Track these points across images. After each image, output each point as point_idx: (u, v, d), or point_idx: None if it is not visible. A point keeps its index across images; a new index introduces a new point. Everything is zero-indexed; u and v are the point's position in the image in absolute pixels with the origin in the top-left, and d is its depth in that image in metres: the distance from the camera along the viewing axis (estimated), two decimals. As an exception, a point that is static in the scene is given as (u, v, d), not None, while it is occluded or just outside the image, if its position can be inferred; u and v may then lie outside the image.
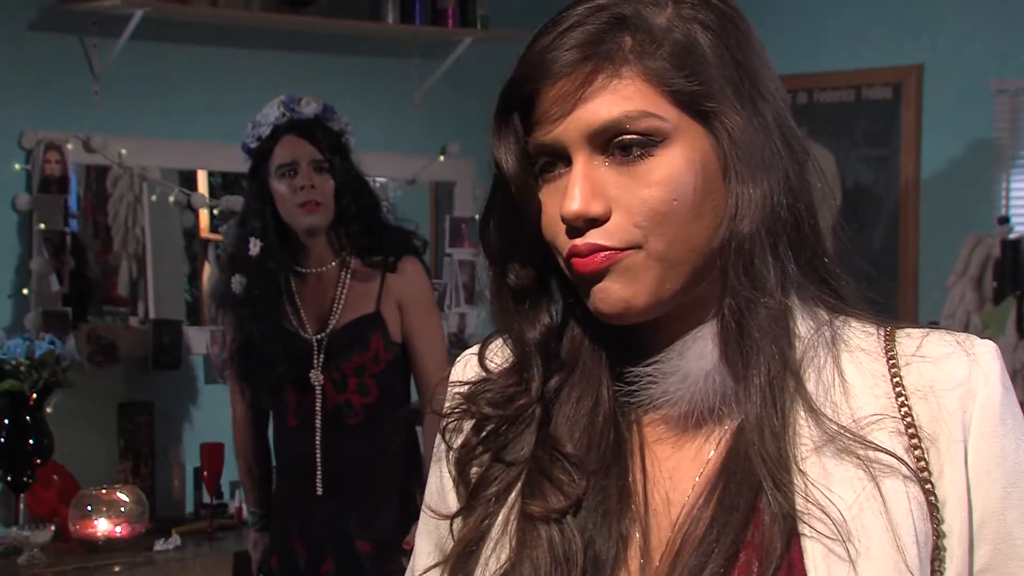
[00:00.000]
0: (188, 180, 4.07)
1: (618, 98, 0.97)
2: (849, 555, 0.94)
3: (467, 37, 4.34)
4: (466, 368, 1.11)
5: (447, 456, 1.08)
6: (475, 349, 1.12)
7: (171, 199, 3.97)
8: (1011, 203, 4.14)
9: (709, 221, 0.98)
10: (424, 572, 1.09)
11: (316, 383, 3.04)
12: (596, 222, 0.98)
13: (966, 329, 3.80)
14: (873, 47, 4.31)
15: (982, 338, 1.02)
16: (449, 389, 1.10)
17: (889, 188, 4.30)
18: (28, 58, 3.72)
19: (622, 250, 0.97)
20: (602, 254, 0.97)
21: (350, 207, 3.04)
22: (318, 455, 3.03)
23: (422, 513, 1.12)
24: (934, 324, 1.02)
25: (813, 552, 0.95)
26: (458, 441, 1.07)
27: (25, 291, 3.70)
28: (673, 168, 0.97)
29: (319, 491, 3.03)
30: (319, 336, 3.05)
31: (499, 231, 1.04)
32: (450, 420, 1.08)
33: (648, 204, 0.97)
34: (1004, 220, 3.95)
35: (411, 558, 1.14)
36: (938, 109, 4.22)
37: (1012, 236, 3.84)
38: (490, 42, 4.35)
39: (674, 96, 0.97)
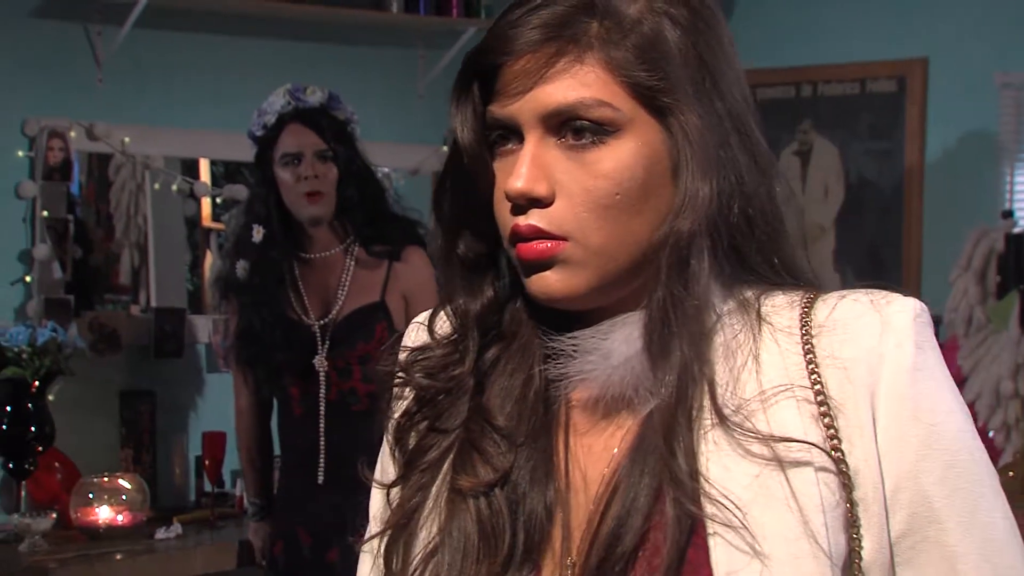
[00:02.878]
0: (190, 168, 4.07)
1: (576, 83, 0.97)
2: (749, 538, 0.93)
3: (471, 27, 4.34)
4: (416, 334, 1.12)
5: (387, 423, 1.09)
6: (425, 316, 1.13)
7: (173, 187, 3.98)
8: (1015, 197, 4.14)
9: (650, 217, 0.99)
10: (364, 541, 1.11)
11: (320, 369, 3.03)
12: (539, 203, 0.98)
13: (969, 323, 3.80)
14: (878, 40, 4.31)
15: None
16: (401, 356, 1.11)
17: (893, 181, 4.30)
18: (32, 45, 3.72)
19: (561, 239, 0.98)
20: (543, 244, 0.98)
21: (353, 196, 3.04)
22: (322, 443, 3.03)
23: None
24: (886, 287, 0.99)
25: (713, 540, 0.94)
26: (399, 409, 1.09)
27: (28, 278, 3.71)
28: (621, 160, 0.97)
29: (322, 478, 3.03)
30: (322, 322, 3.05)
31: (453, 200, 1.04)
32: (391, 387, 1.09)
33: (592, 195, 0.97)
34: (1008, 214, 3.95)
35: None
36: (942, 102, 4.21)
37: (1016, 230, 3.83)
38: (494, 32, 4.35)
39: (633, 88, 0.97)
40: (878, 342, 0.97)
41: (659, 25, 0.98)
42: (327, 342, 3.04)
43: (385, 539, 1.06)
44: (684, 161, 0.98)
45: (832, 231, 4.37)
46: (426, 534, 1.03)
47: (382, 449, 1.13)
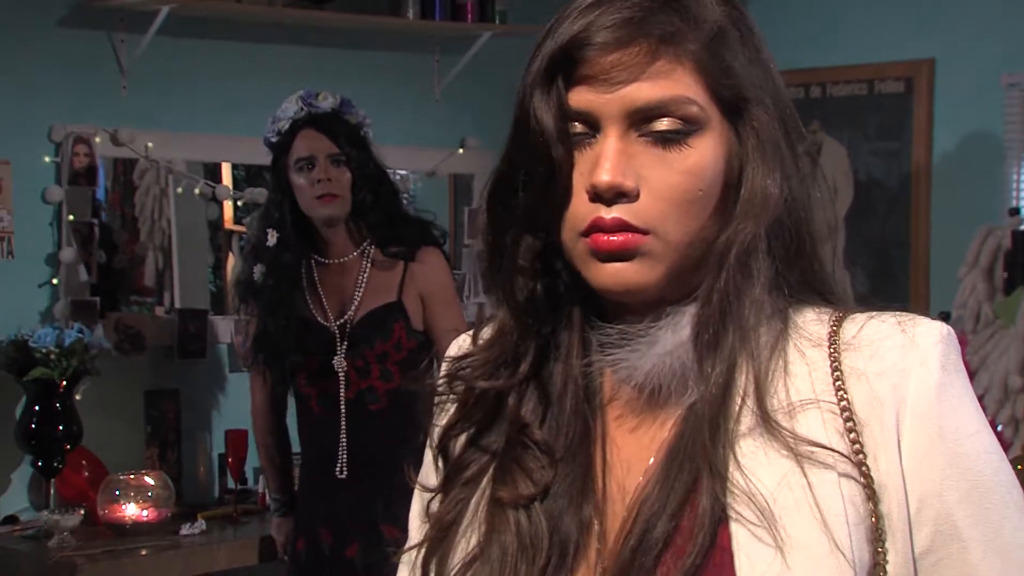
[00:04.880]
0: (212, 173, 4.11)
1: (667, 80, 0.97)
2: (775, 539, 0.93)
3: (485, 32, 4.37)
4: (460, 349, 1.12)
5: (431, 431, 1.10)
6: (470, 332, 1.12)
7: (196, 191, 4.00)
8: (1021, 195, 4.16)
9: (720, 215, 0.99)
10: (402, 552, 1.11)
11: (339, 369, 3.07)
12: (624, 196, 0.97)
13: (977, 320, 3.83)
14: (886, 42, 4.32)
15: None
16: (444, 365, 1.11)
17: (901, 181, 4.32)
18: (58, 54, 3.77)
19: (643, 233, 0.97)
20: (625, 235, 0.97)
21: (367, 198, 3.07)
22: (343, 440, 3.07)
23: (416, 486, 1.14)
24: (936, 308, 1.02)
25: (739, 536, 0.95)
26: (443, 419, 1.09)
27: (55, 281, 3.75)
28: (703, 158, 0.98)
29: (342, 476, 3.06)
30: (340, 322, 3.08)
31: (527, 193, 1.00)
32: (439, 396, 1.09)
33: (675, 191, 0.98)
34: (1015, 211, 3.98)
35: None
36: (949, 103, 4.23)
37: (1022, 227, 3.87)
38: (508, 37, 4.39)
39: (711, 87, 0.98)
40: (904, 361, 0.97)
41: (727, 27, 1.00)
42: (345, 342, 3.08)
43: (423, 551, 1.06)
44: (753, 160, 0.99)
45: (841, 230, 4.40)
46: (464, 546, 1.03)
47: (425, 453, 1.13)
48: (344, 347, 3.08)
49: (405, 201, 3.24)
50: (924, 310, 1.04)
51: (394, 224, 3.12)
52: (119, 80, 3.87)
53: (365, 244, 3.12)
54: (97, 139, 3.81)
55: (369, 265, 3.11)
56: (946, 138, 4.24)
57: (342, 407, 3.08)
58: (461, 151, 4.55)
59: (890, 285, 4.28)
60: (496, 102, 4.42)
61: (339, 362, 3.07)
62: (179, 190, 4.00)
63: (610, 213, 0.97)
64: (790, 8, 4.32)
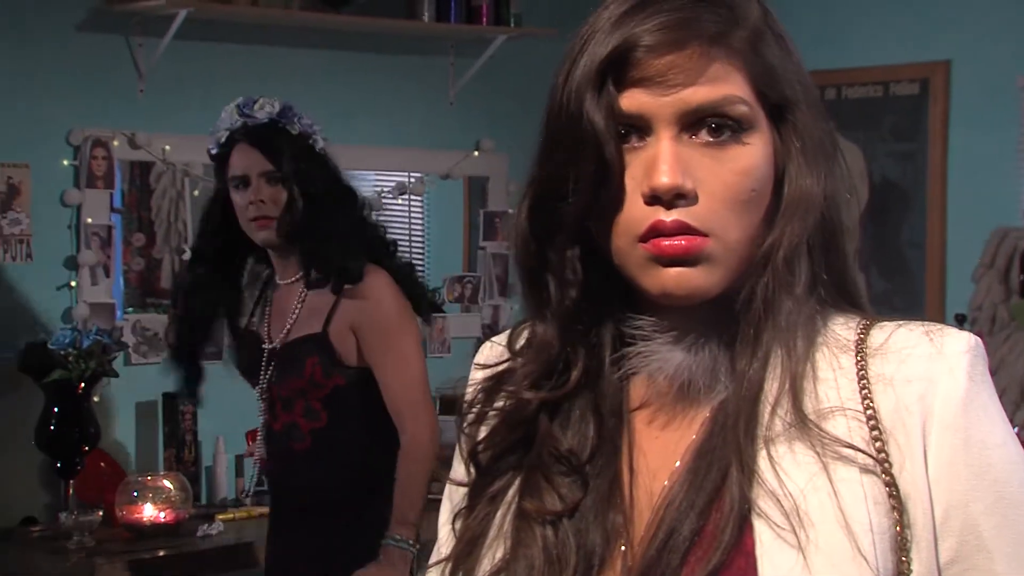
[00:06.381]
0: (229, 176, 4.14)
1: (719, 81, 0.97)
2: (798, 541, 0.93)
3: (500, 35, 4.39)
4: (490, 352, 1.11)
5: (463, 439, 1.08)
6: (500, 337, 1.10)
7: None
8: (1037, 197, 4.18)
9: (767, 215, 0.99)
10: (429, 567, 1.10)
11: (262, 397, 2.87)
12: (682, 198, 0.96)
13: (993, 322, 3.84)
14: (901, 43, 4.33)
15: (1002, 330, 1.00)
16: (473, 372, 1.10)
17: (916, 182, 4.32)
18: (76, 58, 3.80)
19: (704, 235, 0.96)
20: (687, 239, 0.96)
21: (301, 220, 2.75)
22: (272, 477, 2.91)
23: (447, 486, 1.12)
24: (963, 317, 1.01)
25: (763, 536, 0.94)
26: (475, 427, 1.07)
27: (73, 284, 3.78)
28: (756, 157, 0.98)
29: (275, 515, 2.92)
30: (271, 348, 2.87)
31: (576, 198, 0.98)
32: (473, 405, 1.07)
33: (731, 191, 0.97)
34: (1031, 213, 3.99)
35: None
36: (965, 104, 4.23)
37: (1039, 229, 3.88)
38: (523, 40, 4.40)
39: (757, 88, 0.99)
40: (931, 370, 0.97)
41: (763, 26, 1.00)
42: (271, 369, 2.86)
43: (449, 566, 1.05)
44: (796, 160, 0.99)
45: (856, 231, 4.39)
46: (491, 559, 1.03)
47: (455, 458, 1.12)
48: (269, 374, 2.86)
49: (370, 216, 2.93)
50: (939, 312, 1.05)
51: (329, 247, 2.77)
52: (137, 84, 3.89)
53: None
54: (115, 142, 3.84)
55: (307, 291, 2.83)
56: (962, 139, 4.24)
57: (264, 439, 2.90)
58: (476, 153, 4.57)
59: (905, 287, 4.28)
60: (511, 105, 4.45)
61: (262, 390, 2.87)
62: (195, 193, 4.01)
63: (670, 216, 0.96)
64: (806, 9, 4.33)
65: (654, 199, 0.96)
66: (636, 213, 0.97)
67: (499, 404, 1.05)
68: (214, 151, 2.85)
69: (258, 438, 2.99)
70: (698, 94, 0.96)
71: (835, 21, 4.42)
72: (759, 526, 0.95)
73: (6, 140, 3.70)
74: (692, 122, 0.97)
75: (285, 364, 2.82)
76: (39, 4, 3.76)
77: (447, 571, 1.05)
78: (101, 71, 3.84)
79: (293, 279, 2.85)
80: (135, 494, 3.53)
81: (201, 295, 2.90)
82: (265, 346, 2.87)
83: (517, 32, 4.40)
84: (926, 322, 1.01)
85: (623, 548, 1.00)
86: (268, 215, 2.77)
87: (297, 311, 2.84)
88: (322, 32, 4.22)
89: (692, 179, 0.96)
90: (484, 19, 4.37)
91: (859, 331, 1.00)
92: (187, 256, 3.14)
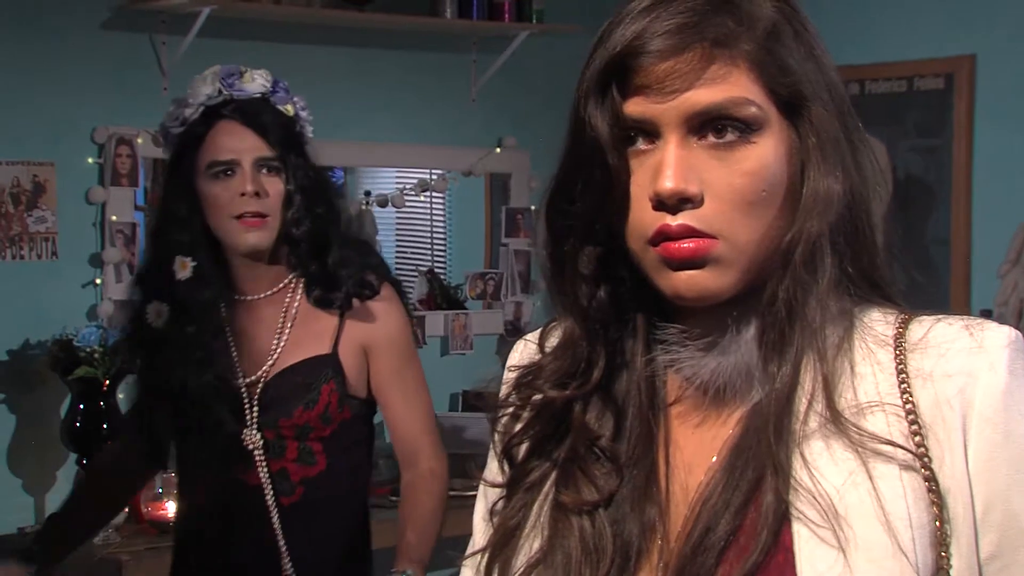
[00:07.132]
0: (252, 173, 4.15)
1: (724, 83, 0.97)
2: (838, 540, 0.93)
3: (523, 32, 4.39)
4: (523, 352, 1.12)
5: (496, 437, 1.09)
6: (533, 335, 1.11)
7: (236, 192, 4.03)
8: (1063, 192, 4.15)
9: (786, 215, 0.99)
10: (465, 557, 1.11)
11: (252, 446, 2.26)
12: (688, 202, 0.97)
13: (1019, 317, 3.82)
14: (925, 38, 4.31)
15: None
16: (506, 373, 1.11)
17: (941, 178, 4.30)
18: (100, 56, 3.82)
19: (712, 238, 0.97)
20: (694, 242, 0.97)
21: (302, 220, 2.26)
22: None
23: (481, 484, 1.13)
24: (987, 313, 0.99)
25: (801, 535, 0.94)
26: (509, 424, 1.08)
27: (98, 281, 3.81)
28: (765, 158, 0.98)
29: None
30: (252, 380, 2.29)
31: (583, 202, 1.00)
32: (507, 406, 1.08)
33: (739, 193, 0.97)
34: (1057, 209, 3.97)
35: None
36: (990, 99, 4.20)
37: (1064, 225, 3.85)
38: (545, 36, 4.41)
39: (769, 87, 0.98)
40: (971, 364, 0.97)
41: (780, 23, 1.00)
42: (255, 407, 2.28)
43: (486, 556, 1.06)
44: (814, 159, 0.99)
45: (880, 227, 4.38)
46: (528, 550, 1.03)
47: (489, 455, 1.13)
48: (254, 415, 2.28)
49: (351, 221, 2.50)
50: (964, 309, 1.04)
51: (346, 255, 2.29)
52: (160, 82, 3.91)
53: (294, 276, 2.33)
54: (139, 140, 3.86)
55: (298, 304, 2.32)
56: (987, 135, 4.22)
57: (248, 497, 2.26)
58: (498, 150, 4.57)
59: (930, 282, 4.25)
60: (533, 101, 4.45)
61: (250, 435, 2.27)
62: (220, 190, 4.02)
63: (676, 220, 0.97)
64: (830, 4, 4.31)
65: (660, 204, 0.97)
66: (645, 217, 0.98)
67: (532, 399, 1.06)
68: (177, 130, 2.28)
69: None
70: (700, 97, 0.97)
71: (859, 16, 4.41)
72: (797, 526, 0.95)
73: (31, 139, 3.73)
74: (698, 125, 0.97)
75: (284, 396, 2.28)
76: (63, 3, 3.78)
77: (484, 561, 1.06)
78: (125, 69, 3.86)
79: (269, 292, 2.33)
80: (160, 490, 3.56)
81: (203, 345, 2.27)
82: (241, 381, 2.29)
83: (539, 29, 4.40)
84: (965, 316, 1.01)
85: (660, 544, 1.00)
86: (262, 212, 2.24)
87: (286, 331, 2.31)
88: (344, 30, 4.24)
89: (698, 182, 0.97)
90: (506, 16, 4.37)
91: (898, 326, 1.00)
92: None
